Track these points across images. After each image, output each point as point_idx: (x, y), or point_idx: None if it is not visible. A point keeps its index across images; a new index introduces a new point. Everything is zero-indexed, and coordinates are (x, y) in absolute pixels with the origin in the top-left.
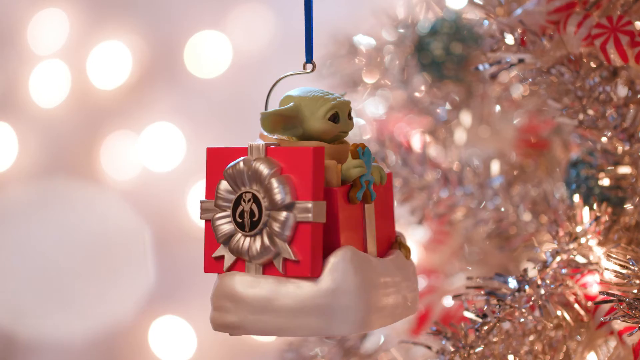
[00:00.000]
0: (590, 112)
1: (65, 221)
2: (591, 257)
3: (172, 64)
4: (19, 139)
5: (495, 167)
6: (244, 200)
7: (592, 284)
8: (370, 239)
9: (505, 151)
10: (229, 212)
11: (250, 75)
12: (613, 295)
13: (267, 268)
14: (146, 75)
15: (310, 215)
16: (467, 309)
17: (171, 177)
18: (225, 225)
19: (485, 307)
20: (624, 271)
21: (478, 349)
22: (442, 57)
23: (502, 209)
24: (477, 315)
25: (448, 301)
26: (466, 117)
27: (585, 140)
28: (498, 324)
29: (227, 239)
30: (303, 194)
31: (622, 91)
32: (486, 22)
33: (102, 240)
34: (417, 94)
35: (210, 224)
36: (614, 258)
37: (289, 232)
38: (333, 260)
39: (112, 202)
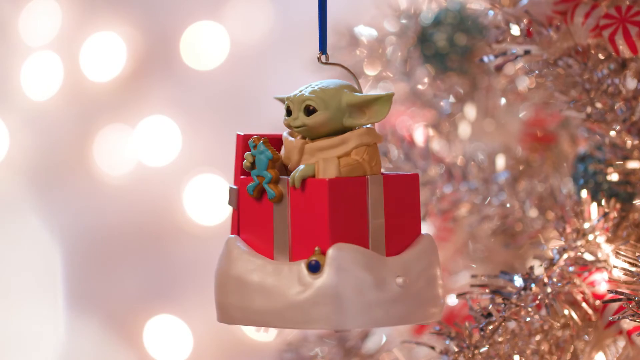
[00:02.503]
0: (599, 105)
1: (58, 216)
2: (599, 255)
3: (168, 56)
4: (9, 132)
5: (500, 161)
6: None
7: (600, 282)
8: (282, 242)
9: (511, 145)
10: None
11: (248, 67)
12: (622, 293)
13: None
14: (141, 67)
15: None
16: (471, 308)
17: (167, 172)
18: None
19: (490, 306)
20: (633, 269)
21: (483, 349)
22: (446, 49)
23: (508, 205)
24: (482, 315)
25: (452, 300)
26: (470, 110)
27: (593, 134)
28: (503, 324)
29: None
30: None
31: (631, 83)
32: (491, 12)
33: (96, 236)
34: (420, 87)
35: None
36: (623, 255)
37: None
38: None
39: (106, 197)
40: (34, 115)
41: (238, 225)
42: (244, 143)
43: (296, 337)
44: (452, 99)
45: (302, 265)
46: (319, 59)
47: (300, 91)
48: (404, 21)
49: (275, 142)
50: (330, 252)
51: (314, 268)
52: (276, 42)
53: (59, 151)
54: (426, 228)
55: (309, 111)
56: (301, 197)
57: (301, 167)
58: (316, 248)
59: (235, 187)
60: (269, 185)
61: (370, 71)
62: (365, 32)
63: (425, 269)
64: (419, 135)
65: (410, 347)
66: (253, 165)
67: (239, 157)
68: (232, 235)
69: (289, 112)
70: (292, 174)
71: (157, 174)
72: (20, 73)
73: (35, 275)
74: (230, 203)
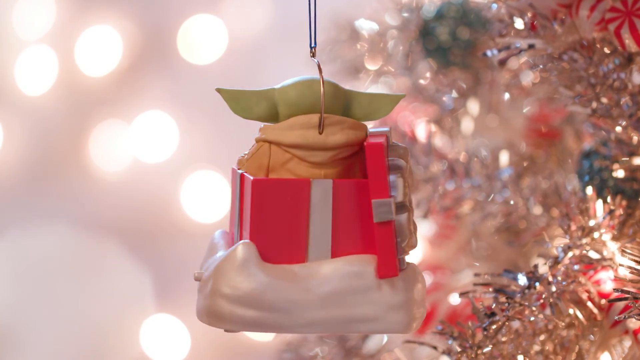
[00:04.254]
0: (604, 100)
1: (53, 214)
2: (605, 253)
3: (165, 50)
4: (3, 128)
5: (504, 158)
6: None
7: (606, 280)
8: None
9: (515, 141)
10: (407, 208)
11: (246, 61)
12: (628, 292)
13: None
14: (137, 61)
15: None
16: (474, 307)
17: (164, 168)
18: (406, 221)
19: (494, 305)
20: None
21: (486, 349)
22: (448, 43)
23: (512, 202)
24: (485, 314)
25: (454, 299)
26: (473, 106)
27: (599, 129)
28: (507, 323)
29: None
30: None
31: (638, 78)
32: (495, 5)
33: (91, 234)
34: (422, 81)
35: (387, 225)
36: (629, 253)
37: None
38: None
39: (101, 194)
40: (28, 110)
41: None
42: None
43: (296, 337)
44: (454, 94)
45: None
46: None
47: None
48: (405, 14)
49: None
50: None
51: None
52: (275, 35)
53: (53, 147)
54: (427, 227)
55: None
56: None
57: None
58: None
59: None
60: None
61: (372, 65)
62: (366, 26)
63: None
64: (421, 131)
65: (412, 347)
66: None
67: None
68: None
69: None
70: None
71: (154, 170)
72: (14, 68)
73: (29, 275)
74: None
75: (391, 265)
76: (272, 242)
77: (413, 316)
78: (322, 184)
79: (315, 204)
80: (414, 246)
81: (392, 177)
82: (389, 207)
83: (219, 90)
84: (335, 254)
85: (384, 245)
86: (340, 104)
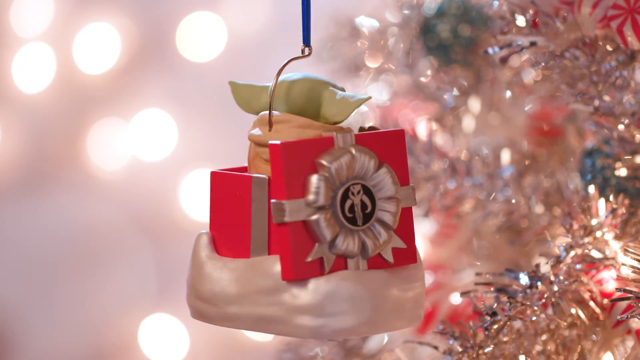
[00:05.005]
0: (607, 98)
1: (50, 213)
2: (607, 252)
3: (164, 47)
4: (1, 126)
5: (505, 156)
6: (353, 194)
7: (608, 280)
8: None
9: (516, 140)
10: (334, 208)
11: (246, 58)
12: (630, 292)
13: (370, 261)
14: (136, 59)
15: (415, 199)
16: (475, 307)
17: (162, 167)
18: (331, 223)
19: (495, 304)
20: None
21: (487, 349)
22: (450, 40)
23: (513, 201)
24: (487, 314)
25: (456, 298)
26: (475, 104)
27: (601, 127)
28: (508, 323)
29: (335, 238)
30: (402, 179)
31: None
32: (496, 2)
33: (89, 233)
34: (422, 79)
35: (295, 226)
36: (632, 253)
37: (397, 220)
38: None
39: (99, 193)
40: (26, 108)
41: None
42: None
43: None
44: (455, 91)
45: None
46: (302, 50)
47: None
48: (406, 12)
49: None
50: None
51: None
52: (274, 33)
53: (51, 145)
54: (428, 226)
55: None
56: None
57: None
58: None
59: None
60: None
61: (372, 63)
62: (367, 23)
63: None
64: (422, 129)
65: (412, 347)
66: None
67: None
68: None
69: None
70: None
71: (153, 168)
72: (12, 65)
73: (25, 274)
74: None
75: (287, 268)
76: (224, 235)
77: (322, 322)
78: (259, 181)
79: (255, 200)
80: (351, 251)
81: (313, 179)
82: (281, 209)
83: (230, 83)
84: (271, 250)
85: (282, 247)
86: (315, 103)
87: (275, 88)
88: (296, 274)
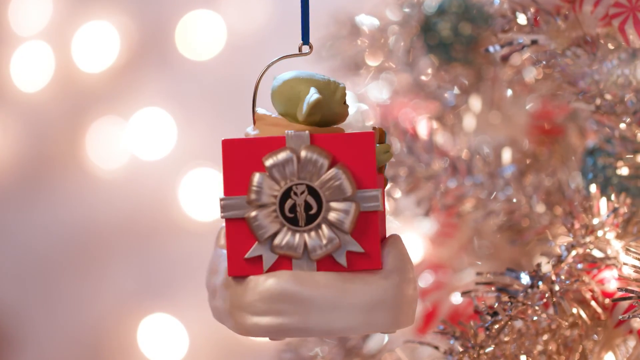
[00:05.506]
0: (608, 96)
1: (49, 212)
2: (609, 251)
3: (163, 46)
4: None
5: (506, 155)
6: (296, 194)
7: (610, 279)
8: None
9: (518, 138)
10: (273, 208)
11: (245, 57)
12: (632, 291)
13: (322, 263)
14: (135, 57)
15: (378, 204)
16: (476, 307)
17: (162, 166)
18: (268, 222)
19: (496, 304)
20: None
21: (488, 349)
22: (450, 38)
23: (514, 200)
24: (488, 313)
25: (456, 298)
26: (476, 102)
27: (603, 126)
28: (510, 323)
29: (272, 237)
30: (367, 181)
31: None
32: (497, 0)
33: (88, 233)
34: (423, 78)
35: (237, 223)
36: (633, 252)
37: (353, 224)
38: (393, 250)
39: (98, 192)
40: (25, 107)
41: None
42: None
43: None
44: (456, 90)
45: None
46: (300, 49)
47: (332, 80)
48: (406, 10)
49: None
50: None
51: None
52: (274, 31)
53: (50, 144)
54: (429, 225)
55: None
56: None
57: (390, 152)
58: None
59: (381, 188)
60: None
61: (372, 62)
62: (367, 21)
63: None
64: (423, 127)
65: (413, 346)
66: None
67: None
68: (396, 235)
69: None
70: None
71: (152, 168)
72: (10, 64)
73: (25, 273)
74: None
75: (229, 264)
76: None
77: (243, 321)
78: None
79: None
80: (293, 251)
81: (255, 177)
82: (221, 205)
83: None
84: None
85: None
86: (294, 102)
87: (257, 85)
88: (235, 270)
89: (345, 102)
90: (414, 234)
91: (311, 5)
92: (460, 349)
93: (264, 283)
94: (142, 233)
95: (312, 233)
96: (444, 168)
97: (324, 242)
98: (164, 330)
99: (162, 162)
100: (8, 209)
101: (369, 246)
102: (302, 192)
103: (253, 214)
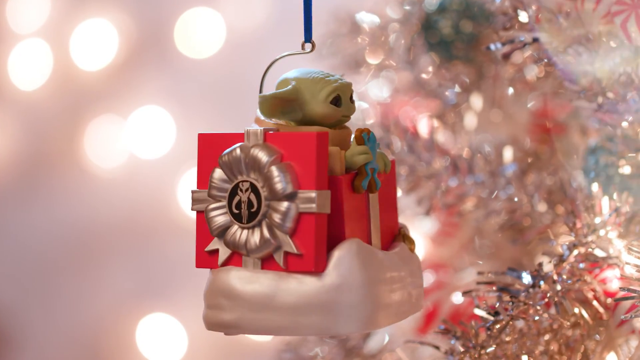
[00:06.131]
0: (610, 95)
1: (47, 211)
2: (611, 251)
3: (162, 44)
4: None
5: (508, 154)
6: (241, 190)
7: (612, 279)
8: (375, 231)
9: (519, 137)
10: (224, 203)
11: (245, 55)
12: (635, 291)
13: (267, 262)
14: (133, 55)
15: (314, 205)
16: (477, 306)
17: (160, 165)
18: (220, 217)
19: (498, 304)
20: None
21: (489, 349)
22: (451, 36)
23: (516, 199)
24: (489, 313)
25: (457, 298)
26: (477, 101)
27: (605, 125)
28: (511, 322)
29: (222, 232)
30: (306, 182)
31: None
32: None
33: (86, 232)
34: (424, 76)
35: (202, 216)
36: (636, 251)
37: (290, 224)
38: (338, 253)
39: (97, 191)
40: (22, 105)
41: (342, 228)
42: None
43: (295, 337)
44: (457, 88)
45: (407, 250)
46: (302, 46)
47: (330, 79)
48: (407, 7)
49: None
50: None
51: None
52: (274, 28)
53: (48, 143)
54: (430, 224)
55: (352, 99)
56: (383, 185)
57: (381, 155)
58: (402, 230)
59: (324, 190)
60: (377, 176)
61: (373, 60)
62: (367, 19)
63: None
64: (423, 126)
65: (414, 346)
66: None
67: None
68: (354, 239)
69: (340, 102)
70: (379, 161)
71: (151, 166)
72: (8, 62)
73: (23, 272)
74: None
75: (196, 256)
76: None
77: (205, 313)
78: None
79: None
80: (239, 247)
81: (215, 172)
82: (191, 197)
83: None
84: None
85: None
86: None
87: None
88: (198, 262)
89: (333, 102)
90: (413, 233)
91: (312, 2)
92: (461, 349)
93: (214, 277)
94: (140, 232)
95: (253, 231)
96: (445, 167)
97: (260, 241)
98: (163, 330)
99: (161, 160)
100: (6, 208)
101: (305, 248)
102: (247, 190)
103: (209, 207)
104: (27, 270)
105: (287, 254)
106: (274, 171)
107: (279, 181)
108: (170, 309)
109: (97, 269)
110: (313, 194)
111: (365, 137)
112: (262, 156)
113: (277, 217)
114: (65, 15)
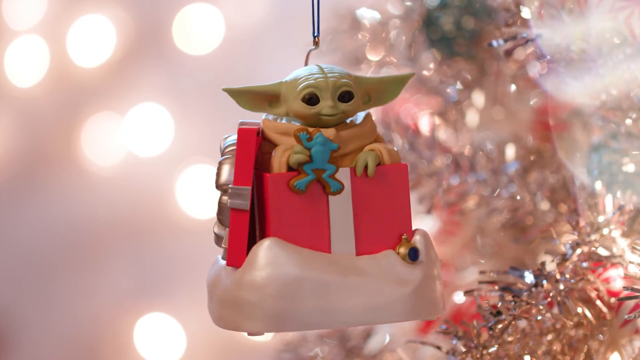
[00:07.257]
0: (614, 92)
1: (44, 210)
2: (614, 250)
3: (160, 40)
4: None
5: (510, 151)
6: None
7: (616, 278)
8: (343, 235)
9: (521, 134)
10: None
11: (244, 51)
12: (638, 290)
13: None
14: (131, 51)
15: (241, 202)
16: (479, 306)
17: (158, 162)
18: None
19: (500, 303)
20: None
21: (492, 349)
22: (453, 32)
23: (518, 197)
24: (491, 313)
25: (459, 297)
26: (479, 98)
27: (608, 122)
28: (513, 322)
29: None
30: (240, 179)
31: None
32: None
33: (84, 230)
34: (425, 72)
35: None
36: None
37: (222, 217)
38: (251, 251)
39: (94, 189)
40: (19, 102)
41: (267, 226)
42: (246, 137)
43: (295, 337)
44: (459, 85)
45: (394, 256)
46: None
47: (315, 76)
48: (408, 3)
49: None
50: (418, 237)
51: (415, 256)
52: (273, 25)
53: (45, 140)
54: (431, 223)
55: (346, 98)
56: (366, 187)
57: (366, 155)
58: (404, 236)
59: (245, 186)
60: (332, 177)
61: (373, 56)
62: (368, 15)
63: None
64: (424, 123)
65: (415, 347)
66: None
67: (245, 152)
68: (272, 238)
69: (314, 100)
70: (358, 163)
71: (148, 164)
72: (4, 58)
73: (19, 271)
74: (233, 204)
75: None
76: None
77: (215, 314)
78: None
79: None
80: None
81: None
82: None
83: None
84: None
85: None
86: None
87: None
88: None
89: (305, 101)
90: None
91: None
92: (463, 349)
93: (223, 282)
94: (138, 231)
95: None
96: (447, 165)
97: (215, 236)
98: (161, 329)
99: (159, 158)
100: (2, 206)
101: (232, 244)
102: None
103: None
104: (24, 269)
105: (226, 249)
106: (222, 166)
107: (217, 175)
108: (168, 308)
109: (95, 268)
110: (239, 191)
111: (302, 137)
112: (222, 152)
113: (218, 212)
114: (62, 12)
